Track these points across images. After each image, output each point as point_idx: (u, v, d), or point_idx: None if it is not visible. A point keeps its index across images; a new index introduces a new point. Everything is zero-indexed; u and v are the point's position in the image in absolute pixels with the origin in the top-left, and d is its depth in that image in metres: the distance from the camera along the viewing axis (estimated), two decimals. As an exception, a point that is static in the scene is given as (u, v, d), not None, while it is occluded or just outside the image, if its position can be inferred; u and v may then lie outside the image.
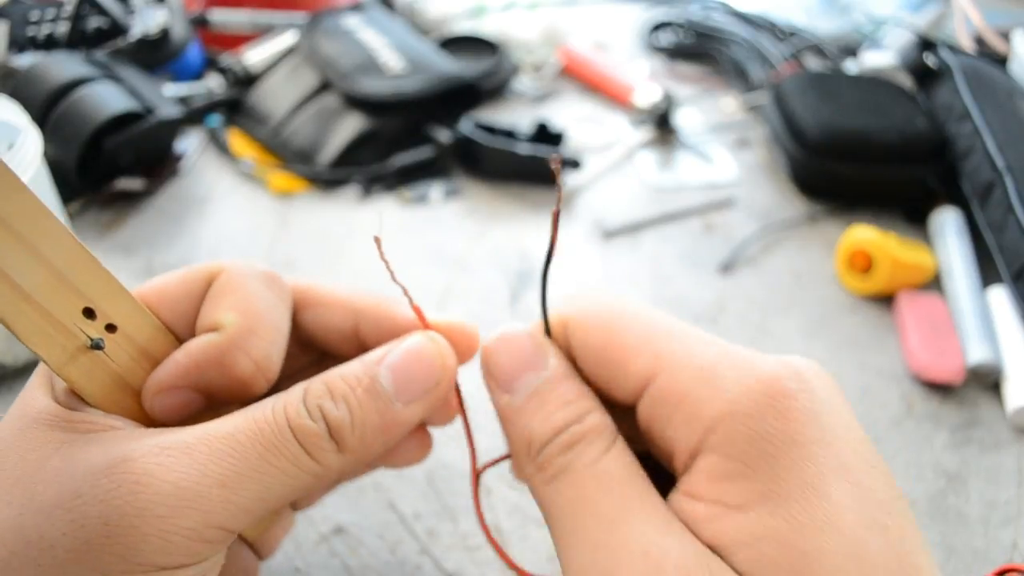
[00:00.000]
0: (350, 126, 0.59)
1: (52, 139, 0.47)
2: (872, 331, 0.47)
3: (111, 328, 0.21)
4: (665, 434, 0.20)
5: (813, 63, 0.75)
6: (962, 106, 0.55)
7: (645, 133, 0.66)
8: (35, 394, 0.21)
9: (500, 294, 0.48)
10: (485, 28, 0.76)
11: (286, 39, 0.67)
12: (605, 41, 0.83)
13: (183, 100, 0.61)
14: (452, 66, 0.64)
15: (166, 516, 0.18)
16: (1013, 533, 0.36)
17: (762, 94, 0.68)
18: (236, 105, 0.64)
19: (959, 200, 0.54)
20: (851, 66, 0.69)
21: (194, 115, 0.61)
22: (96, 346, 0.21)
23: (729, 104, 0.72)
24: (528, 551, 0.33)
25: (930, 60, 0.62)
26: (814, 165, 0.57)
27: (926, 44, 0.63)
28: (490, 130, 0.59)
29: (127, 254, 0.49)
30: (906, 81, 0.64)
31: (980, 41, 0.67)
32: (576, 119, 0.67)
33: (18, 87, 0.49)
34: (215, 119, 0.62)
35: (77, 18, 0.58)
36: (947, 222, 0.53)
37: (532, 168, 0.58)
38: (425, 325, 0.25)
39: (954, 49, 0.61)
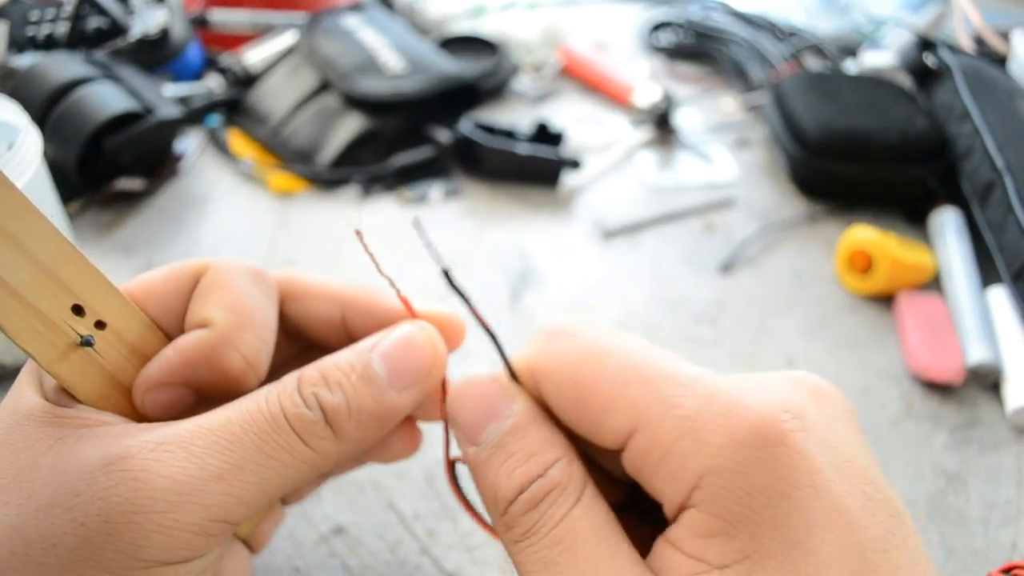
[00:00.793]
0: (350, 126, 0.59)
1: (52, 139, 0.47)
2: (872, 331, 0.47)
3: (100, 325, 0.21)
4: (652, 486, 0.20)
5: (813, 63, 0.75)
6: (962, 106, 0.55)
7: (645, 133, 0.66)
8: (24, 392, 0.21)
9: (500, 294, 0.48)
10: (485, 28, 0.76)
11: (286, 39, 0.67)
12: (605, 41, 0.83)
13: (183, 100, 0.61)
14: (452, 66, 0.64)
15: (166, 511, 0.18)
16: (1013, 533, 0.36)
17: (762, 94, 0.68)
18: (236, 105, 0.64)
19: (959, 200, 0.54)
20: (851, 66, 0.69)
21: (194, 115, 0.61)
22: (86, 343, 0.21)
23: (729, 104, 0.72)
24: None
25: (930, 60, 0.62)
26: (814, 165, 0.57)
27: (926, 44, 0.63)
28: (490, 130, 0.59)
29: (127, 254, 0.49)
30: (906, 81, 0.64)
31: (980, 41, 0.67)
32: (576, 119, 0.67)
33: (18, 87, 0.49)
34: (215, 119, 0.62)
35: (77, 18, 0.58)
36: (947, 222, 0.53)
37: (532, 168, 0.58)
38: (414, 315, 0.25)
39: (954, 49, 0.61)
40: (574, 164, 0.58)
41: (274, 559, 0.32)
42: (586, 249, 0.53)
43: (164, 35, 0.60)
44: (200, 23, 0.69)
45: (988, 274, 0.48)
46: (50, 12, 0.59)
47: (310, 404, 0.21)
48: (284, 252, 0.51)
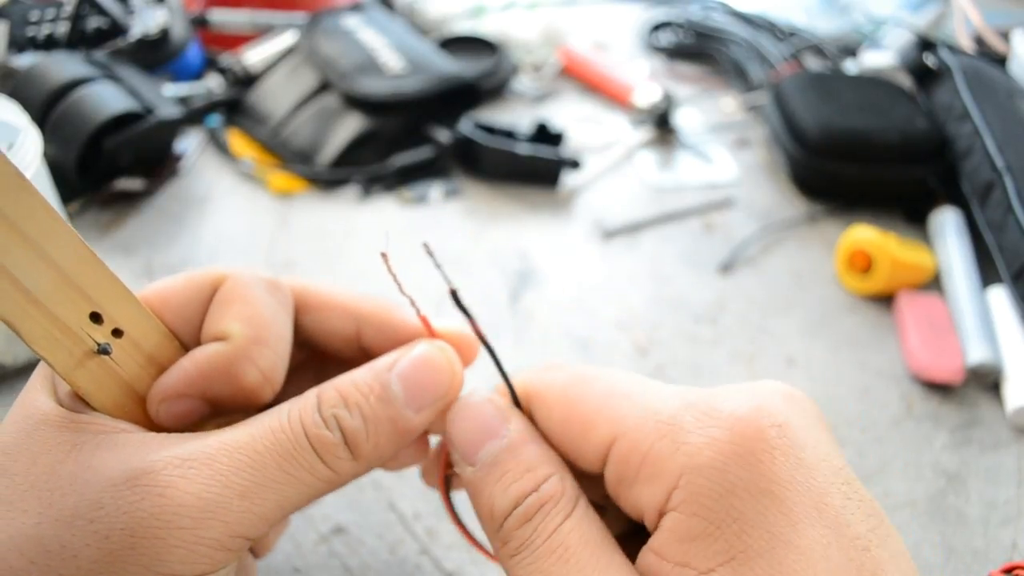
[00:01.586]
0: (350, 126, 0.59)
1: (52, 139, 0.47)
2: (872, 331, 0.47)
3: (118, 333, 0.21)
4: (632, 494, 0.20)
5: (813, 63, 0.75)
6: (962, 106, 0.55)
7: (645, 133, 0.66)
8: (37, 396, 0.21)
9: (500, 294, 0.48)
10: (485, 28, 0.76)
11: (286, 39, 0.67)
12: (605, 41, 0.83)
13: (183, 100, 0.61)
14: (452, 66, 0.64)
15: (190, 527, 0.18)
16: (1013, 533, 0.36)
17: (762, 94, 0.68)
18: (236, 105, 0.63)
19: (959, 200, 0.54)
20: (851, 66, 0.69)
21: (194, 115, 0.60)
22: (103, 351, 0.20)
23: (729, 104, 0.72)
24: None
25: (930, 60, 0.62)
26: (814, 165, 0.57)
27: (926, 44, 0.63)
28: (490, 130, 0.59)
29: (127, 254, 0.49)
30: (906, 81, 0.64)
31: (980, 41, 0.67)
32: (576, 119, 0.67)
33: (18, 87, 0.49)
34: (215, 119, 0.62)
35: (77, 18, 0.58)
36: (947, 222, 0.53)
37: (532, 168, 0.58)
38: (432, 334, 0.25)
39: (954, 49, 0.61)
40: (574, 164, 0.58)
41: (274, 559, 0.32)
42: (586, 249, 0.53)
43: (164, 35, 0.60)
44: (200, 23, 0.69)
45: (988, 274, 0.48)
46: (50, 12, 0.59)
47: (330, 425, 0.21)
48: (284, 252, 0.51)
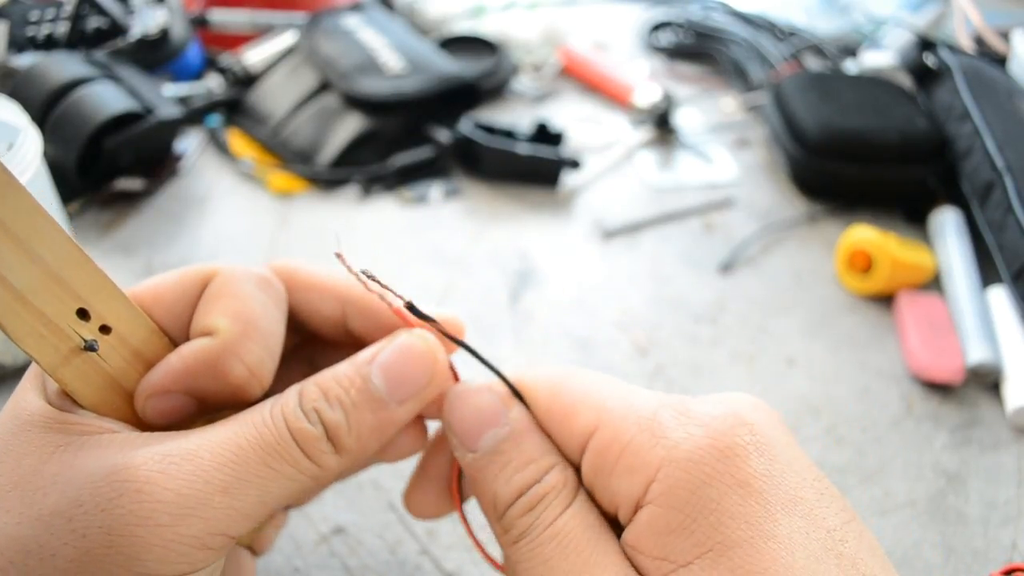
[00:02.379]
0: (350, 126, 0.59)
1: (52, 139, 0.47)
2: (872, 331, 0.47)
3: (105, 329, 0.21)
4: (609, 486, 0.20)
5: (813, 63, 0.75)
6: (962, 106, 0.55)
7: (645, 133, 0.66)
8: (27, 396, 0.21)
9: (500, 294, 0.48)
10: (485, 28, 0.76)
11: (286, 39, 0.67)
12: (605, 41, 0.83)
13: (183, 100, 0.61)
14: (452, 66, 0.64)
15: (169, 525, 0.18)
16: (1013, 533, 0.36)
17: (762, 94, 0.68)
18: (236, 105, 0.63)
19: (959, 200, 0.54)
20: (851, 66, 0.69)
21: (194, 115, 0.60)
22: (90, 347, 0.20)
23: (729, 104, 0.72)
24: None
25: (930, 60, 0.62)
26: (814, 165, 0.57)
27: (926, 44, 0.63)
28: (490, 130, 0.59)
29: (127, 254, 0.49)
30: (906, 81, 0.64)
31: (980, 41, 0.67)
32: (576, 119, 0.67)
33: (18, 87, 0.49)
34: (215, 119, 0.61)
35: (77, 18, 0.58)
36: (947, 222, 0.53)
37: (532, 168, 0.58)
38: (409, 326, 0.24)
39: (954, 49, 0.61)
40: (574, 164, 0.58)
41: (274, 559, 0.32)
42: (586, 249, 0.53)
43: (164, 35, 0.60)
44: (200, 23, 0.69)
45: (988, 274, 0.48)
46: (50, 12, 0.59)
47: (311, 419, 0.21)
48: (284, 252, 0.51)
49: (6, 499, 0.18)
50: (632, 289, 0.50)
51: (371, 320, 0.26)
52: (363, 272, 0.22)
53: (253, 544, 0.27)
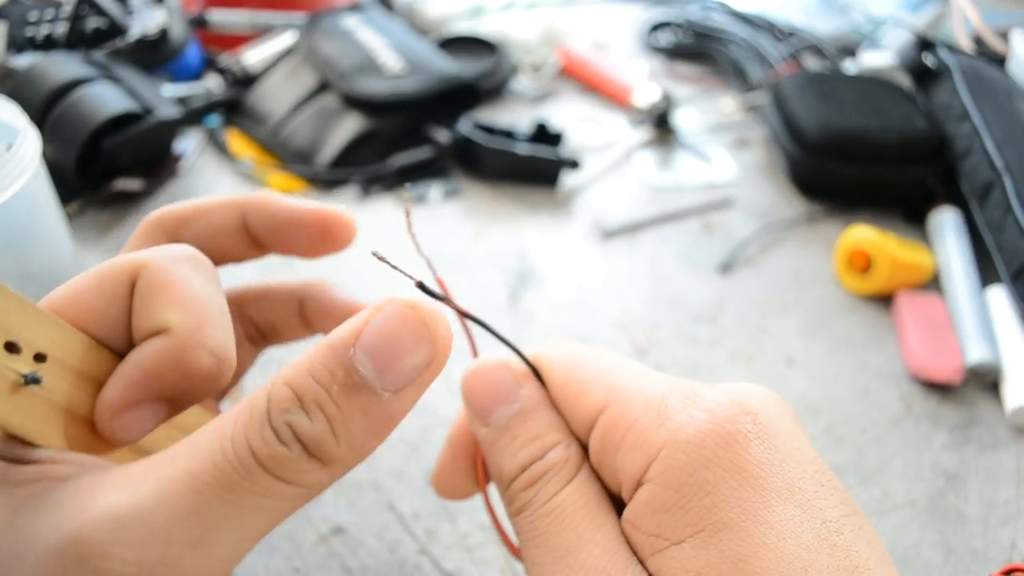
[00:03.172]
0: (349, 126, 0.59)
1: (51, 139, 0.47)
2: (871, 331, 0.47)
3: (40, 358, 0.19)
4: (614, 462, 0.21)
5: (812, 63, 0.75)
6: (961, 106, 0.55)
7: (644, 133, 0.66)
8: None
9: (499, 294, 0.48)
10: (484, 28, 0.76)
11: (285, 39, 0.67)
12: (604, 41, 0.83)
13: (182, 100, 0.61)
14: (451, 66, 0.64)
15: None
16: (1012, 533, 0.36)
17: (761, 94, 0.68)
18: (235, 105, 0.63)
19: (958, 200, 0.54)
20: (850, 66, 0.69)
21: (193, 115, 0.60)
22: (33, 380, 0.18)
23: (728, 104, 0.72)
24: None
25: (929, 60, 0.62)
26: (813, 165, 0.57)
27: (925, 44, 0.63)
28: (489, 130, 0.59)
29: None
30: (905, 81, 0.64)
31: (979, 41, 0.67)
32: (575, 119, 0.67)
33: (17, 87, 0.49)
34: (214, 119, 0.61)
35: (76, 18, 0.58)
36: (946, 222, 0.53)
37: (531, 168, 0.58)
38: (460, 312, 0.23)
39: (953, 49, 0.61)
40: (573, 164, 0.58)
41: (274, 559, 0.32)
42: (585, 249, 0.53)
43: (163, 35, 0.60)
44: (199, 23, 0.69)
45: (987, 274, 0.48)
46: (49, 12, 0.59)
47: (285, 439, 0.17)
48: (283, 252, 0.51)
49: None
50: (631, 289, 0.50)
51: (329, 308, 0.26)
52: (374, 254, 0.21)
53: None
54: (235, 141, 0.61)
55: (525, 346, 0.24)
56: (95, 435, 0.20)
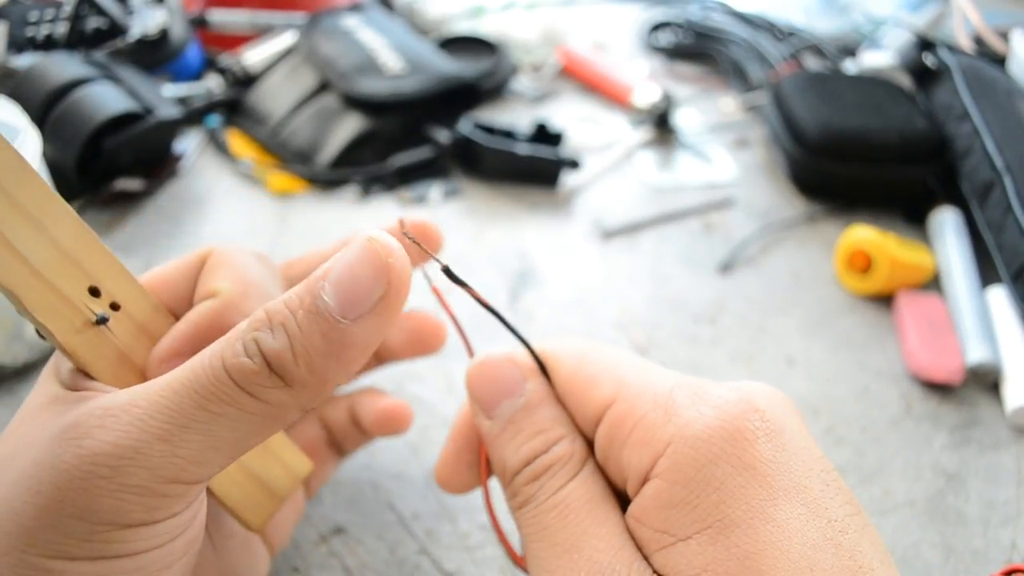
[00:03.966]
0: (349, 126, 0.59)
1: (51, 139, 0.47)
2: (871, 331, 0.47)
3: (115, 306, 0.22)
4: (620, 457, 0.21)
5: (812, 63, 0.75)
6: (961, 106, 0.55)
7: (644, 133, 0.66)
8: (43, 385, 0.22)
9: (499, 294, 0.48)
10: (484, 28, 0.76)
11: (285, 39, 0.67)
12: (604, 41, 0.83)
13: (182, 100, 0.61)
14: (451, 66, 0.64)
15: (110, 476, 0.18)
16: (1012, 533, 0.36)
17: (761, 94, 0.68)
18: (235, 105, 0.63)
19: (958, 200, 0.54)
20: (850, 66, 0.69)
21: (193, 115, 0.61)
22: (101, 321, 0.21)
23: (728, 104, 0.72)
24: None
25: (929, 60, 0.62)
26: (813, 165, 0.57)
27: (925, 44, 0.63)
28: (489, 130, 0.59)
29: (127, 254, 0.49)
30: (905, 81, 0.64)
31: (979, 41, 0.67)
32: (575, 119, 0.67)
33: (17, 87, 0.49)
34: (214, 119, 0.62)
35: (76, 18, 0.58)
36: (946, 222, 0.53)
37: (531, 168, 0.58)
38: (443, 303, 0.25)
39: (953, 49, 0.61)
40: (573, 164, 0.58)
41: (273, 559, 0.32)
42: (585, 249, 0.53)
43: (163, 35, 0.60)
44: (199, 23, 0.69)
45: (988, 274, 0.48)
46: (49, 12, 0.59)
47: (250, 352, 0.19)
48: (284, 252, 0.51)
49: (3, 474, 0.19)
50: (632, 289, 0.50)
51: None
52: (400, 221, 0.23)
53: (266, 537, 0.27)
54: (235, 141, 0.61)
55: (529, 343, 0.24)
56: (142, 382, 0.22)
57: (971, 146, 0.53)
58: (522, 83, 0.73)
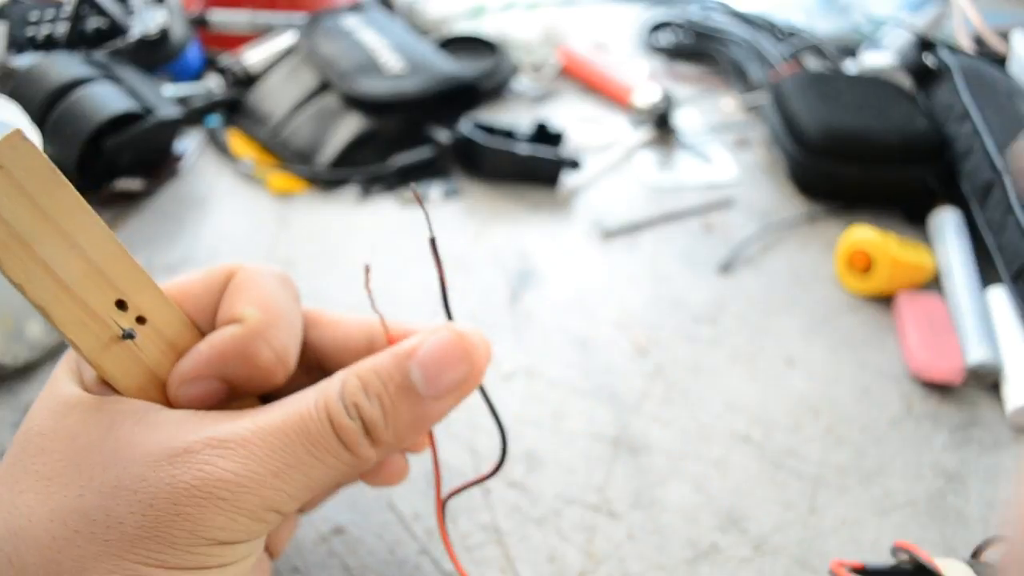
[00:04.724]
0: (349, 126, 0.59)
1: (52, 139, 0.47)
2: (871, 331, 0.47)
3: (141, 320, 0.22)
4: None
5: (812, 63, 0.75)
6: (961, 106, 0.55)
7: (644, 133, 0.66)
8: (64, 384, 0.22)
9: (499, 294, 0.48)
10: (484, 28, 0.76)
11: (285, 39, 0.67)
12: (605, 41, 0.83)
13: (183, 100, 0.61)
14: (452, 66, 0.64)
15: (229, 499, 0.20)
16: (1012, 533, 0.36)
17: (761, 94, 0.68)
18: (236, 105, 0.64)
19: (958, 200, 0.54)
20: (851, 66, 0.69)
21: (193, 115, 0.61)
22: (128, 336, 0.22)
23: (729, 104, 0.72)
24: (527, 551, 0.33)
25: (929, 60, 0.62)
26: (813, 165, 0.57)
27: (925, 44, 0.63)
28: (490, 130, 0.59)
29: (127, 254, 0.49)
30: (905, 81, 0.64)
31: (979, 41, 0.67)
32: (576, 119, 0.67)
33: (17, 87, 0.49)
34: (214, 119, 0.62)
35: (76, 18, 0.58)
36: (946, 222, 0.53)
37: (532, 168, 0.58)
38: (391, 341, 0.26)
39: (953, 49, 0.61)
40: (574, 164, 0.58)
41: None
42: (585, 249, 0.53)
43: (164, 35, 0.60)
44: (200, 23, 0.69)
45: (988, 274, 0.48)
46: (50, 12, 0.59)
47: (351, 413, 0.22)
48: (284, 252, 0.51)
49: (63, 475, 0.20)
50: (632, 289, 0.50)
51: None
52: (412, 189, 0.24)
53: (270, 545, 0.28)
54: (236, 141, 0.61)
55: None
56: (166, 399, 0.24)
57: (971, 146, 0.53)
58: (522, 83, 0.73)
